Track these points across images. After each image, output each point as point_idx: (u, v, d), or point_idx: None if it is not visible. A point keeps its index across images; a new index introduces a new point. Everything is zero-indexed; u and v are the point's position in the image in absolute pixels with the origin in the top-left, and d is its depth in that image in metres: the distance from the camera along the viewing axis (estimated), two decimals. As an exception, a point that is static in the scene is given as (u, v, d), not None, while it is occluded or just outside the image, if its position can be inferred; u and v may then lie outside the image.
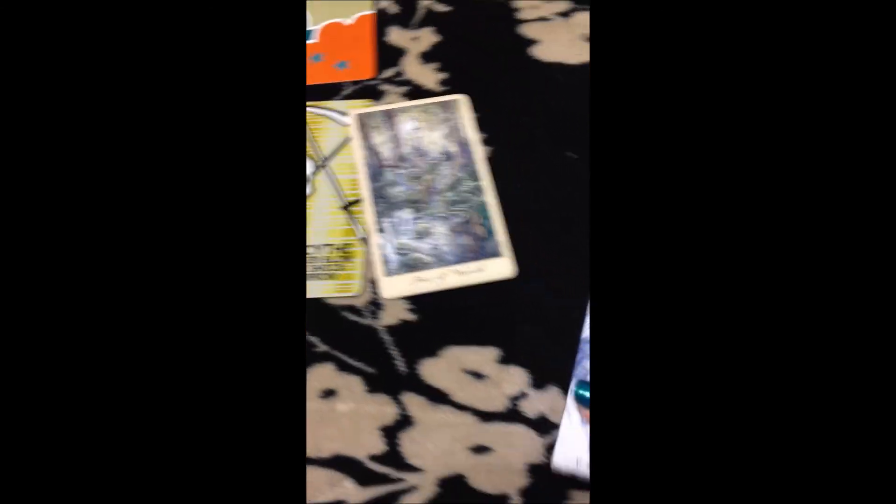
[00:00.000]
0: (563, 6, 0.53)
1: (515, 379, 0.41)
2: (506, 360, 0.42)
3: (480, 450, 0.40)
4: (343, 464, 0.40)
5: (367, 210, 0.45)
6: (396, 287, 0.43)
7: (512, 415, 0.40)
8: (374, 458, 0.40)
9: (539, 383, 0.41)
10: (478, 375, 0.41)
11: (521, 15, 0.53)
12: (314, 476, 0.40)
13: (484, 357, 0.42)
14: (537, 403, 0.40)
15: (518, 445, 0.39)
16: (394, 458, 0.40)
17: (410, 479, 0.39)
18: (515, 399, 0.41)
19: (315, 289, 0.44)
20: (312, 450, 0.40)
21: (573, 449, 0.38)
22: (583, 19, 0.53)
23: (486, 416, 0.40)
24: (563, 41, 0.52)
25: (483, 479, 0.39)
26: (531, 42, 0.52)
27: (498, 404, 0.41)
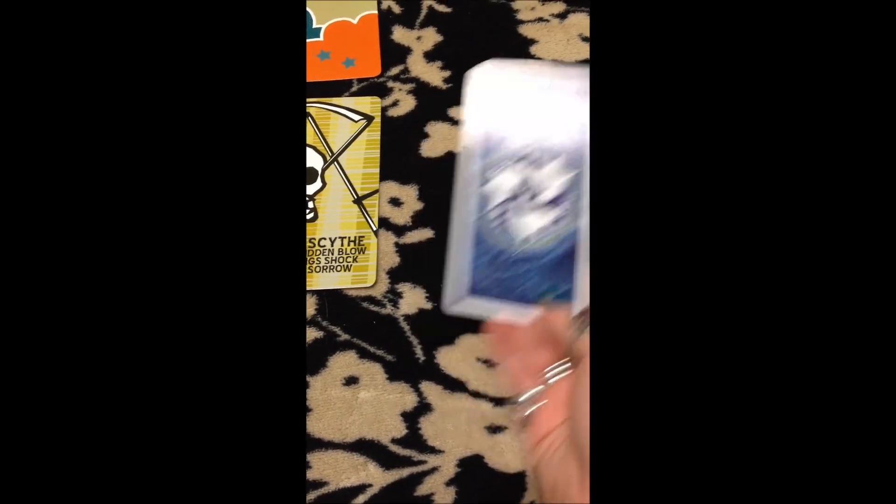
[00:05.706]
0: (559, 7, 0.55)
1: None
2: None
3: (496, 430, 0.42)
4: (366, 447, 0.42)
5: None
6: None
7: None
8: (396, 440, 0.42)
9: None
10: (492, 364, 0.43)
11: (520, 16, 0.55)
12: (339, 459, 0.41)
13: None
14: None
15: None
16: (415, 440, 0.42)
17: (432, 460, 0.41)
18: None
19: (330, 280, 0.46)
20: (337, 434, 0.42)
21: None
22: (577, 20, 0.55)
23: (499, 402, 0.43)
24: (559, 41, 0.54)
25: (499, 458, 0.41)
26: (531, 42, 0.54)
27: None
